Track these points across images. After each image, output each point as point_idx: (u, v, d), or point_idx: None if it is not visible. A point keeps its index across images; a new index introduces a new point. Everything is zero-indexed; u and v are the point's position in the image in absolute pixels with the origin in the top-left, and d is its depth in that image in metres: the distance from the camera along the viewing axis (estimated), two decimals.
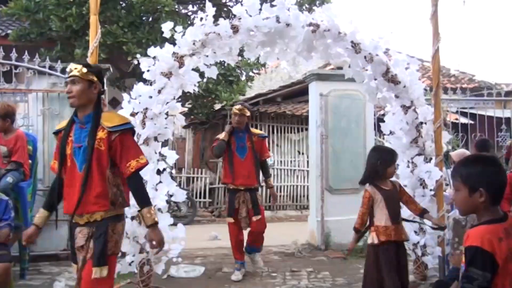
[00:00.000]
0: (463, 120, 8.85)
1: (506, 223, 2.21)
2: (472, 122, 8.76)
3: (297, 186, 13.20)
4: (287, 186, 13.13)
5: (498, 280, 2.09)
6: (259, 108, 13.09)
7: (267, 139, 4.03)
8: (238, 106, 5.86)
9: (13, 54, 6.52)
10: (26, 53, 6.59)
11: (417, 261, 5.29)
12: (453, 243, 5.21)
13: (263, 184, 6.87)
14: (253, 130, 6.20)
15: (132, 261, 4.68)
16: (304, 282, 5.82)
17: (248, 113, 5.92)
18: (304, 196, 12.91)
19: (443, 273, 4.98)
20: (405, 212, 4.69)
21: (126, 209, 4.46)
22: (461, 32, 54.18)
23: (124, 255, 4.63)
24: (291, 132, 13.46)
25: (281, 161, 13.17)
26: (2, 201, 4.49)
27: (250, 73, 12.30)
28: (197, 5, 12.04)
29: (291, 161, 13.31)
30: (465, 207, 2.29)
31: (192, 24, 5.22)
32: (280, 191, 12.90)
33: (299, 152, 13.38)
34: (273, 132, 13.15)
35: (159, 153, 4.87)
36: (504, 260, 2.09)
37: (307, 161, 12.00)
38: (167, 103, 4.76)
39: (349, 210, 7.56)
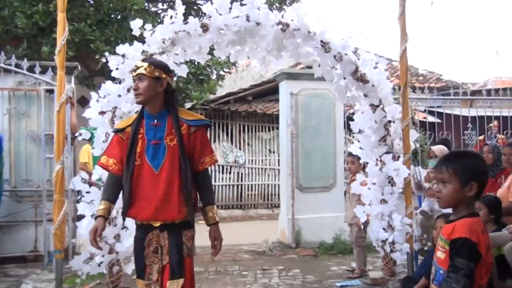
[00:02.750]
0: (431, 118, 9.01)
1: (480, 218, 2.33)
2: (440, 120, 8.92)
3: (268, 184, 13.22)
4: (258, 184, 13.15)
5: (477, 269, 2.18)
6: (230, 107, 13.08)
7: (207, 129, 3.13)
8: (139, 63, 3.16)
9: None
10: None
11: (385, 257, 5.36)
12: (421, 239, 5.31)
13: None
14: (185, 112, 3.17)
15: (101, 262, 4.62)
16: (275, 280, 5.85)
17: (163, 75, 3.06)
18: (275, 194, 12.95)
19: (411, 269, 5.07)
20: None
21: (95, 209, 4.45)
22: (428, 32, 55.12)
23: (93, 256, 4.58)
24: (262, 131, 13.48)
25: (252, 160, 13.18)
26: None
27: (221, 72, 12.24)
28: (167, 3, 11.93)
29: (262, 160, 13.34)
30: (451, 200, 2.33)
31: (161, 22, 5.17)
32: (251, 190, 12.92)
33: (270, 150, 13.41)
34: (244, 131, 13.16)
35: None
36: (485, 251, 2.20)
37: (278, 160, 12.03)
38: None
39: (319, 208, 7.67)
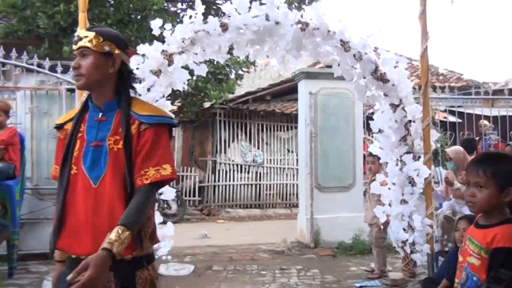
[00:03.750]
0: (451, 118, 8.92)
1: None
2: (460, 120, 8.82)
3: (286, 184, 13.20)
4: (277, 184, 13.14)
5: None
6: (248, 106, 13.09)
7: (169, 130, 2.17)
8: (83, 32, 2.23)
9: (1, 52, 6.46)
10: (13, 50, 6.54)
11: (406, 258, 5.32)
12: (442, 240, 5.26)
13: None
14: (141, 104, 2.23)
15: None
16: (293, 279, 5.84)
17: (115, 50, 2.18)
18: (293, 194, 12.93)
19: (432, 270, 5.02)
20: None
21: None
22: (449, 31, 54.55)
23: None
24: (280, 130, 13.47)
25: (270, 159, 13.18)
26: None
27: (240, 71, 12.26)
28: (186, 3, 11.99)
29: (280, 160, 13.32)
30: (487, 205, 2.22)
31: (181, 21, 5.19)
32: (270, 189, 12.93)
33: (288, 150, 13.39)
34: (262, 131, 13.16)
35: None
36: None
37: (297, 159, 12.00)
38: (156, 101, 4.74)
39: (338, 208, 7.64)
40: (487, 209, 2.23)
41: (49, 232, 6.49)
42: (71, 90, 6.46)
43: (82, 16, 4.53)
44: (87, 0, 4.62)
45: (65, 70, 6.54)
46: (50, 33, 9.73)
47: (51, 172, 2.27)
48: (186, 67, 4.95)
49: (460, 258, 2.31)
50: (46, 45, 9.99)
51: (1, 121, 5.65)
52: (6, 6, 9.96)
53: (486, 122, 8.71)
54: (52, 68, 6.55)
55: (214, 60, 5.61)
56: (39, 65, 6.58)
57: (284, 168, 13.27)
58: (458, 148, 5.77)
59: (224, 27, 4.68)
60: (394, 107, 5.14)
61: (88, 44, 2.11)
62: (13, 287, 5.28)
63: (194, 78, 6.46)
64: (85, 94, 4.32)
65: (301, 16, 4.82)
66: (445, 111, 8.63)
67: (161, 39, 4.73)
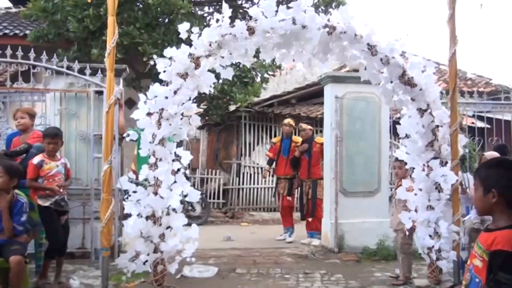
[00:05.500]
0: (480, 124, 8.78)
1: None
2: (489, 126, 8.67)
3: None
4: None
5: None
6: (273, 110, 13.09)
7: None
8: None
9: (31, 54, 6.59)
10: (44, 53, 6.66)
11: (431, 265, 5.25)
12: (469, 247, 5.17)
13: None
14: None
15: (146, 261, 4.71)
16: (317, 284, 5.81)
17: None
18: None
19: (457, 278, 4.95)
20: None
21: (141, 208, 4.54)
22: (478, 35, 53.70)
23: (138, 254, 4.67)
24: None
25: None
26: (19, 202, 4.58)
27: (265, 75, 12.30)
28: (214, 7, 12.08)
29: None
30: (480, 206, 2.40)
31: (208, 25, 5.23)
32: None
33: None
34: None
35: (174, 153, 4.90)
36: None
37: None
38: (183, 103, 4.78)
39: (362, 213, 7.58)
40: (482, 210, 2.40)
41: (76, 232, 6.62)
42: (99, 92, 6.56)
43: (111, 20, 4.60)
44: (117, 4, 4.69)
45: (94, 72, 6.65)
46: (79, 36, 9.91)
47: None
48: (212, 70, 4.98)
49: (468, 261, 2.38)
50: (75, 48, 10.17)
51: (27, 124, 5.76)
52: (37, 10, 10.20)
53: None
54: (81, 71, 6.66)
55: (240, 63, 5.63)
56: (68, 68, 6.70)
57: None
58: (494, 153, 5.71)
59: (251, 31, 4.70)
60: (422, 112, 5.09)
61: None
62: None
63: (220, 81, 6.49)
64: (112, 96, 4.38)
65: (328, 19, 4.82)
66: (473, 116, 8.47)
67: (188, 42, 4.77)
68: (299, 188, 8.92)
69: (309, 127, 8.78)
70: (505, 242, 2.16)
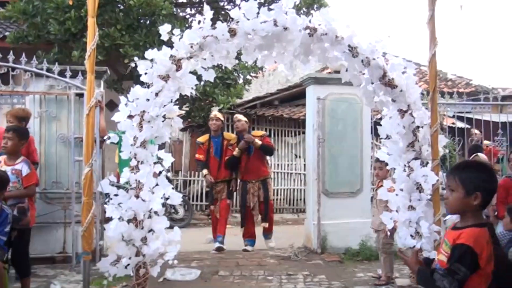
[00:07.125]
0: (460, 124, 8.88)
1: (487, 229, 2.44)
2: (469, 126, 8.78)
3: (293, 189, 13.20)
4: (284, 189, 13.13)
5: (475, 279, 2.33)
6: (256, 111, 13.11)
7: None
8: None
9: (11, 56, 6.51)
10: (23, 55, 6.59)
11: None
12: None
13: None
14: None
15: (128, 264, 4.66)
16: (300, 285, 5.82)
17: None
18: (300, 199, 12.92)
19: None
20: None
21: (123, 211, 4.50)
22: (458, 37, 54.36)
23: (120, 258, 4.63)
24: (288, 136, 13.48)
25: (278, 164, 13.17)
26: (4, 213, 4.46)
27: (248, 76, 12.30)
28: (195, 8, 12.06)
29: (288, 165, 13.32)
30: (456, 207, 2.49)
31: (190, 27, 5.21)
32: (277, 194, 12.90)
33: (296, 155, 13.39)
34: (270, 135, 13.16)
35: (156, 155, 4.87)
36: (485, 262, 2.32)
37: (304, 165, 12.00)
38: (165, 106, 4.74)
39: (345, 214, 7.61)
40: (457, 210, 2.51)
41: (56, 236, 6.55)
42: (80, 95, 6.50)
43: (91, 22, 4.55)
44: (97, 6, 4.64)
45: (74, 74, 6.58)
46: (60, 38, 9.81)
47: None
48: (194, 72, 4.96)
49: (436, 260, 2.56)
50: (55, 50, 10.07)
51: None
52: (17, 12, 10.07)
53: (477, 131, 8.65)
54: (62, 73, 6.59)
55: (222, 65, 5.62)
56: (48, 70, 6.63)
57: (291, 173, 13.26)
58: (483, 156, 5.79)
59: (233, 33, 4.68)
60: (402, 112, 5.12)
61: None
62: None
63: (202, 83, 6.47)
64: (93, 98, 4.33)
65: (310, 21, 4.82)
66: (453, 117, 8.58)
67: (170, 44, 4.75)
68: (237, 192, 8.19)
69: (245, 118, 8.15)
70: (468, 238, 2.34)
